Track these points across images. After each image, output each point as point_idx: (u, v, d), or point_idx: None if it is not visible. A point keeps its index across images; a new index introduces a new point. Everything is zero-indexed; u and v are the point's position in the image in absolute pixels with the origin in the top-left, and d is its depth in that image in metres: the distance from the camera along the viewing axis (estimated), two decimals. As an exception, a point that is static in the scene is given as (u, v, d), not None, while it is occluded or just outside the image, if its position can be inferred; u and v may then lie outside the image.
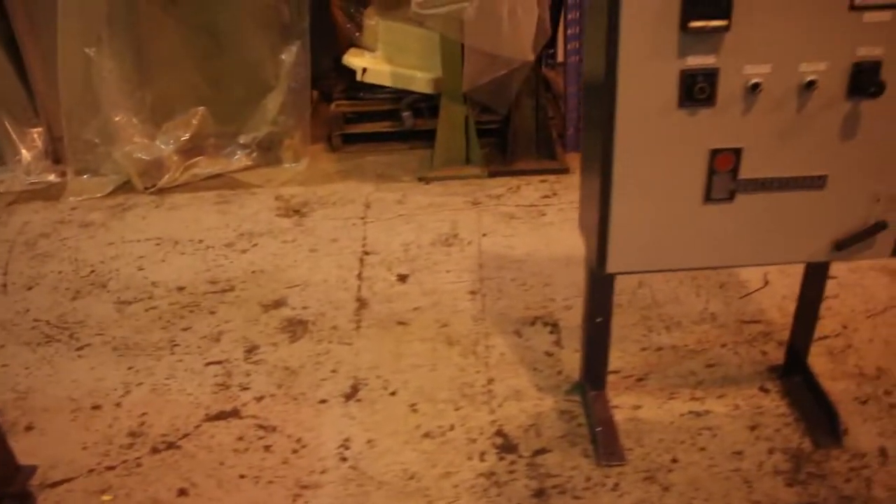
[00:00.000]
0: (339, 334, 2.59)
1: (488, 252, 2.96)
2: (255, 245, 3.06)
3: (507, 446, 2.17)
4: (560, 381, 2.37)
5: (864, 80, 1.63)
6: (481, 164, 3.44)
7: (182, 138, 3.44)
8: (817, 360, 2.41)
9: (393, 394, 2.35)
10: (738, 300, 2.67)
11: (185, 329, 2.65)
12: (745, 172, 1.73)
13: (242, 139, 3.50)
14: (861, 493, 2.00)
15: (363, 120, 3.61)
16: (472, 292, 2.74)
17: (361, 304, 2.72)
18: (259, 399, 2.35)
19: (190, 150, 3.50)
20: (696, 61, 1.60)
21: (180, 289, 2.84)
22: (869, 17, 1.58)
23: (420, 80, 3.45)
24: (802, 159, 1.73)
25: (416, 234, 3.05)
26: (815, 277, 2.13)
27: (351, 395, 2.36)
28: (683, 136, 1.68)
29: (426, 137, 3.53)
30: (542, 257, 2.91)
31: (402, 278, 2.83)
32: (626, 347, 2.48)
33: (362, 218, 3.18)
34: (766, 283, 2.74)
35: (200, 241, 3.10)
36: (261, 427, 2.26)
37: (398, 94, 3.56)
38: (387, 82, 3.51)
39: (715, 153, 1.70)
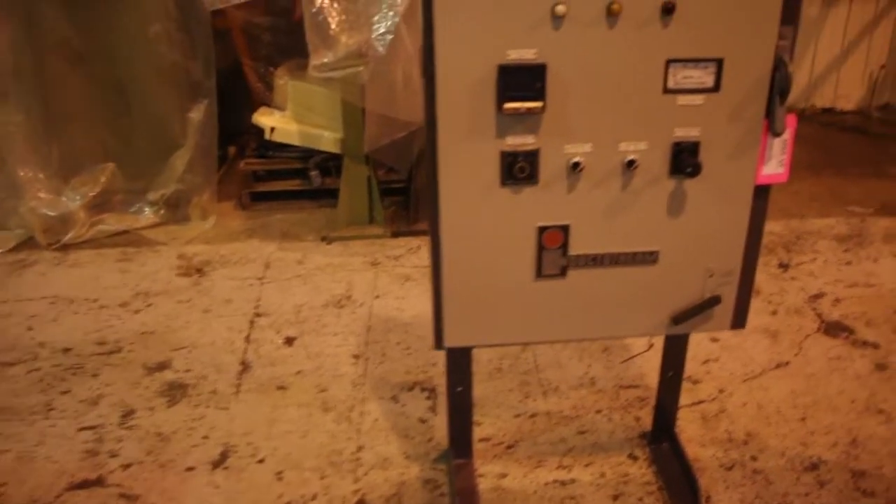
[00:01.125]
0: (217, 399, 2.54)
1: (378, 314, 2.92)
2: (150, 305, 3.01)
3: (367, 517, 2.11)
4: (430, 449, 2.32)
5: (682, 161, 1.63)
6: (384, 224, 3.42)
7: (89, 194, 3.40)
8: (690, 425, 2.39)
9: (261, 461, 2.30)
10: (619, 364, 2.65)
11: (64, 392, 2.58)
12: (576, 248, 1.71)
13: (150, 196, 3.47)
14: (714, 565, 1.97)
15: (272, 178, 3.59)
16: (356, 356, 2.70)
17: (245, 367, 2.67)
18: (126, 466, 2.29)
19: (97, 207, 3.46)
20: (514, 141, 1.59)
21: (66, 350, 2.77)
22: (682, 99, 1.59)
23: (327, 139, 3.44)
24: (632, 236, 1.72)
25: (311, 296, 3.02)
26: (675, 346, 2.12)
27: (219, 462, 2.30)
28: (509, 213, 1.66)
29: (334, 196, 3.52)
30: (429, 320, 2.87)
31: (289, 341, 2.79)
32: (501, 414, 2.45)
33: (260, 278, 3.14)
34: (650, 346, 2.72)
35: (95, 301, 3.04)
36: (123, 496, 2.19)
37: (307, 153, 3.55)
38: (295, 141, 3.50)
39: (542, 230, 1.68)
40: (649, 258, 1.74)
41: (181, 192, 3.45)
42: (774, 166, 1.71)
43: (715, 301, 1.80)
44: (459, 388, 2.13)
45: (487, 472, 2.23)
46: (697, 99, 1.60)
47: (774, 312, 2.91)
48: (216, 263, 3.26)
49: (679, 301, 1.81)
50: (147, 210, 3.47)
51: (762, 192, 1.72)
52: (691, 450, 2.30)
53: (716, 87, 1.59)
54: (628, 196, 1.67)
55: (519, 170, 1.61)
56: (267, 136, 3.47)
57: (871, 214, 3.59)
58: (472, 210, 1.66)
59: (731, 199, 1.70)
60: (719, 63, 1.57)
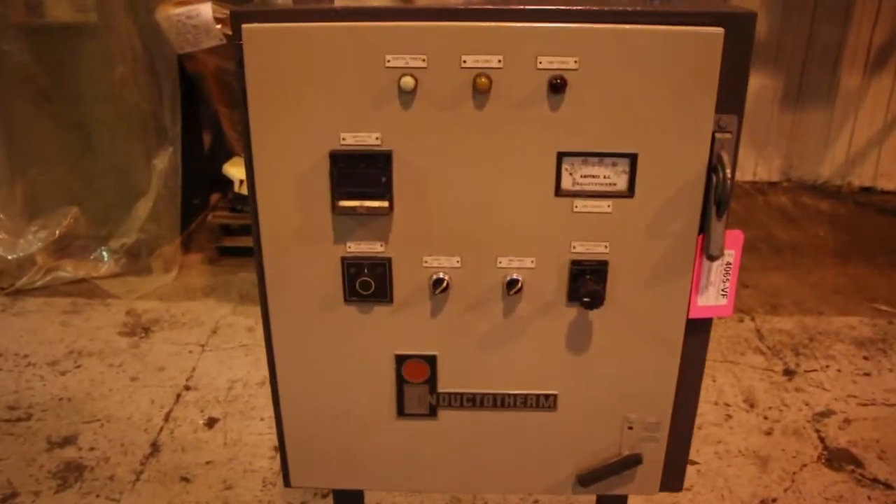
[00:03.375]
0: (110, 487, 2.16)
1: (312, 398, 2.51)
2: (79, 367, 2.67)
3: None
4: (324, 578, 1.89)
5: (582, 286, 1.18)
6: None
7: (50, 238, 3.10)
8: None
9: (133, 574, 1.90)
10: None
11: (-48, 464, 2.24)
12: (447, 385, 1.28)
13: (111, 244, 3.15)
14: None
15: (245, 232, 3.24)
16: (277, 449, 2.29)
17: (154, 450, 2.29)
18: (-18, 567, 1.92)
19: (57, 251, 3.16)
20: (358, 248, 1.18)
21: (-26, 413, 2.44)
22: (582, 205, 1.15)
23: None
24: (521, 374, 1.28)
25: (249, 370, 2.63)
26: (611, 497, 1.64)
27: (88, 570, 1.92)
28: (359, 337, 1.25)
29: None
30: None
31: (211, 423, 2.40)
32: (417, 538, 2.00)
33: (203, 345, 2.77)
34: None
35: (25, 357, 2.72)
36: None
37: (279, 209, 3.18)
38: (267, 195, 3.13)
39: (402, 360, 1.25)
40: (545, 402, 1.30)
41: (143, 242, 3.13)
42: (713, 296, 1.25)
43: (633, 461, 1.34)
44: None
45: None
46: (603, 205, 1.15)
47: (769, 432, 2.39)
48: (164, 323, 2.91)
49: (587, 456, 1.35)
50: (107, 258, 3.15)
51: (698, 328, 1.26)
52: None
53: (629, 192, 1.15)
54: (513, 325, 1.23)
55: (363, 284, 1.18)
56: (236, 188, 3.13)
57: (903, 314, 3.03)
58: (312, 331, 1.24)
59: (653, 336, 1.25)
60: (633, 159, 1.13)
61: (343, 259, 1.19)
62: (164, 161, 3.02)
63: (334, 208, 1.14)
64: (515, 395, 1.29)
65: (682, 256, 1.19)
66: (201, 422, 2.41)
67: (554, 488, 1.37)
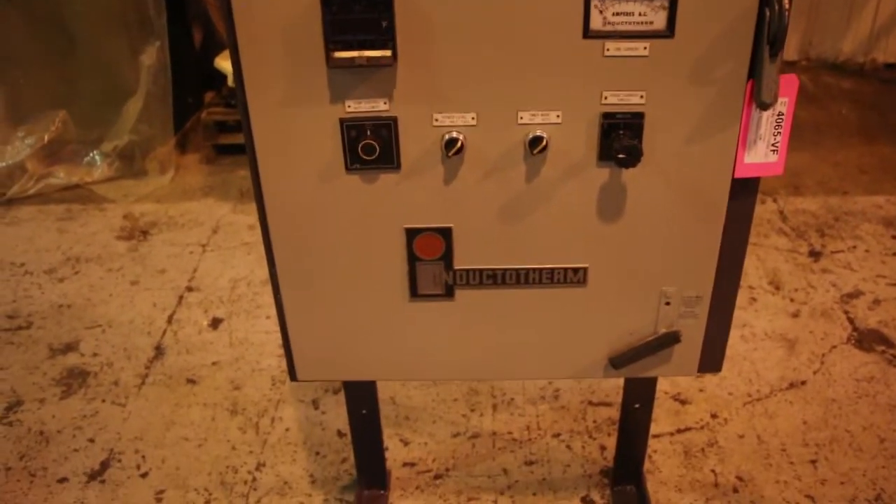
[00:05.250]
0: (116, 392, 2.07)
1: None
2: (77, 273, 2.55)
3: (244, 561, 1.62)
4: (341, 473, 1.81)
5: (616, 142, 1.03)
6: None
7: (39, 143, 2.94)
8: (669, 460, 1.81)
9: (144, 475, 1.83)
10: (592, 372, 2.07)
11: (-48, 374, 2.15)
12: (464, 261, 1.14)
13: (104, 147, 2.99)
14: None
15: (238, 129, 3.05)
16: (284, 346, 2.18)
17: (158, 353, 2.19)
18: (-10, 474, 1.84)
19: (47, 157, 3.00)
20: (358, 107, 1.02)
21: (-29, 323, 2.34)
22: (615, 48, 0.98)
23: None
24: (547, 246, 1.13)
25: (252, 269, 2.51)
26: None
27: (97, 473, 1.84)
28: (364, 210, 1.10)
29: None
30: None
31: (215, 323, 2.29)
32: (436, 432, 1.91)
33: (203, 245, 2.64)
34: (635, 350, 2.12)
35: (22, 265, 2.60)
36: (-27, 514, 1.75)
37: (276, 103, 3.00)
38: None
39: (413, 234, 1.11)
40: (574, 277, 1.16)
41: (136, 144, 2.96)
42: (762, 152, 1.10)
43: (671, 339, 1.21)
44: (364, 411, 1.60)
45: (402, 511, 1.71)
46: (639, 47, 0.99)
47: (796, 314, 2.28)
48: (162, 225, 2.77)
49: (620, 336, 1.22)
50: (100, 162, 2.99)
51: (745, 189, 1.11)
52: (665, 495, 1.73)
53: (668, 31, 0.98)
54: (537, 191, 1.09)
55: (367, 148, 1.03)
56: (230, 82, 2.93)
57: (932, 192, 2.87)
58: (312, 206, 1.10)
59: (694, 199, 1.10)
60: (673, -8, 0.95)
61: (342, 121, 1.03)
62: (152, 57, 2.82)
63: (329, 61, 0.97)
64: (541, 270, 1.15)
65: (729, 106, 1.03)
66: (205, 323, 2.30)
67: (583, 372, 1.25)
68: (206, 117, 3.03)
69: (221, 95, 3.06)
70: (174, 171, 3.06)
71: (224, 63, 2.97)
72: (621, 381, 1.66)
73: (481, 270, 1.15)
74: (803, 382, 2.04)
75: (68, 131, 2.98)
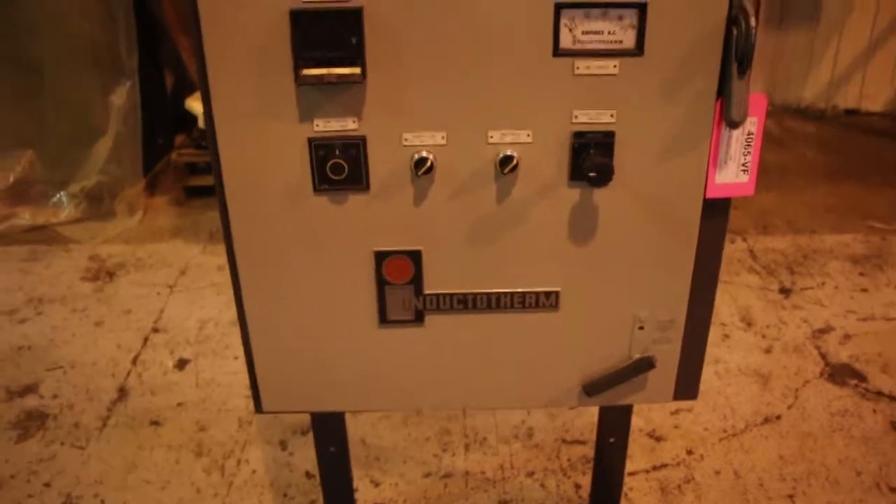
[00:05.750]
0: (76, 435, 1.99)
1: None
2: (40, 314, 2.48)
3: None
4: (309, 516, 1.75)
5: (587, 160, 1.02)
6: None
7: (5, 184, 2.88)
8: (644, 497, 1.77)
9: (103, 521, 1.75)
10: (568, 411, 2.04)
11: None
12: (434, 286, 1.12)
13: (71, 188, 2.94)
14: None
15: (209, 171, 3.03)
16: (252, 386, 2.12)
17: (122, 395, 2.12)
18: (-61, 522, 1.75)
19: (13, 198, 2.94)
20: (327, 126, 1.00)
21: (-73, 365, 2.25)
22: (585, 66, 0.97)
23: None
24: (518, 269, 1.11)
25: (221, 310, 2.46)
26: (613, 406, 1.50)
27: (54, 520, 1.76)
28: (332, 232, 1.07)
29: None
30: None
31: (182, 364, 2.23)
32: (407, 472, 1.86)
33: (171, 286, 2.59)
34: (609, 387, 2.09)
35: (-18, 307, 2.52)
36: (-81, 564, 1.65)
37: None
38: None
39: (382, 257, 1.09)
40: (546, 301, 1.14)
41: (105, 185, 2.92)
42: (733, 172, 1.09)
43: (645, 365, 1.19)
44: (332, 449, 1.54)
45: (372, 555, 1.65)
46: (609, 66, 0.98)
47: (768, 350, 2.27)
48: (129, 266, 2.72)
49: (594, 362, 1.20)
50: (67, 203, 2.94)
51: (716, 210, 1.11)
52: (641, 534, 1.69)
53: (638, 49, 0.98)
54: (508, 212, 1.07)
55: (335, 168, 1.01)
56: (201, 123, 2.92)
57: (895, 232, 2.91)
58: (279, 228, 1.07)
59: (666, 220, 1.09)
60: (641, 10, 0.96)
61: (310, 140, 1.01)
62: (122, 97, 2.80)
63: (297, 78, 0.96)
64: (512, 294, 1.13)
65: (699, 124, 1.03)
66: (171, 364, 2.24)
67: (557, 400, 1.22)
68: (177, 158, 3.01)
69: (192, 137, 3.04)
70: (143, 212, 3.01)
71: (195, 104, 2.96)
72: (595, 419, 1.63)
73: (452, 295, 1.13)
74: (778, 417, 2.02)
75: (35, 171, 2.94)
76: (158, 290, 2.57)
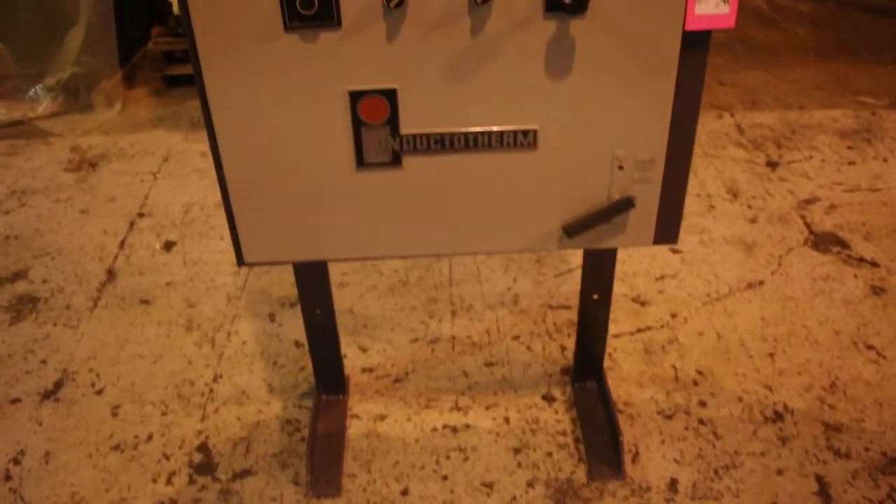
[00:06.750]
0: (67, 315, 2.02)
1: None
2: (24, 205, 2.48)
3: (204, 465, 1.61)
4: (300, 381, 1.80)
5: (561, -13, 1.01)
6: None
7: (-23, 79, 2.84)
8: (629, 358, 1.83)
9: (99, 392, 1.80)
10: (553, 278, 2.07)
11: None
12: (410, 126, 1.12)
13: (47, 81, 2.89)
14: (629, 546, 1.44)
15: (187, 60, 2.97)
16: (240, 265, 2.15)
17: (110, 277, 2.15)
18: (-59, 397, 1.80)
19: (-12, 93, 2.90)
20: (294, -46, 0.98)
21: (-86, 255, 2.27)
22: None
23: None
24: (493, 107, 1.11)
25: (205, 193, 2.46)
26: (597, 259, 1.53)
27: (51, 392, 1.81)
28: (306, 73, 1.07)
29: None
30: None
31: (168, 246, 2.25)
32: (395, 338, 1.90)
33: (154, 173, 2.59)
34: (595, 258, 2.13)
35: (-36, 198, 2.52)
36: (-78, 435, 1.71)
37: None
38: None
39: (357, 97, 1.08)
40: (524, 140, 1.14)
41: (80, 77, 2.87)
42: (713, 3, 1.08)
43: (625, 205, 1.20)
44: (318, 311, 1.58)
45: (364, 413, 1.71)
46: None
47: (754, 220, 2.29)
48: (111, 156, 2.71)
49: (574, 204, 1.21)
50: (44, 97, 2.90)
51: (696, 42, 1.10)
52: (626, 390, 1.75)
53: None
54: (483, 45, 1.06)
55: (305, 3, 1.00)
56: (175, 9, 2.85)
57: (885, 107, 2.90)
58: (250, 71, 1.06)
59: (645, 54, 1.08)
60: None
61: (278, -30, 0.99)
62: (92, -17, 2.72)
63: None
64: (490, 133, 1.13)
65: (676, -51, 1.01)
66: (158, 246, 2.26)
67: (537, 244, 1.24)
68: (154, 48, 2.95)
69: (168, 26, 2.98)
70: (122, 104, 2.98)
71: (169, -10, 2.89)
72: (580, 285, 1.67)
73: (429, 135, 1.13)
74: (761, 282, 2.06)
75: (7, 66, 2.89)
76: (142, 177, 2.57)
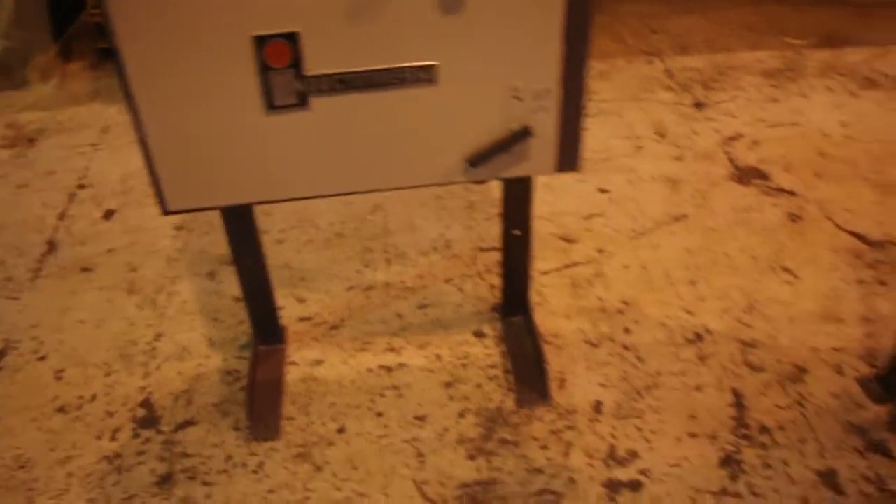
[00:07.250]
0: (9, 288, 2.06)
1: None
2: (-41, 182, 2.49)
3: (147, 419, 1.67)
4: (239, 334, 1.86)
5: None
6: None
7: None
8: (556, 292, 1.91)
9: (42, 358, 1.84)
10: (484, 222, 2.15)
11: None
12: (314, 67, 1.17)
13: (-22, 58, 2.88)
14: (556, 462, 1.53)
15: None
16: (179, 227, 2.20)
17: (51, 248, 2.18)
18: None
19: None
20: None
21: None
22: None
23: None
24: (394, 44, 1.17)
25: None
26: (514, 195, 1.61)
27: (-6, 361, 1.84)
28: (210, 18, 1.12)
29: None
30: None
31: (108, 215, 2.28)
32: (331, 288, 1.97)
33: (94, 145, 2.61)
34: (527, 202, 2.20)
35: None
36: None
37: None
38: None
39: (261, 41, 1.14)
40: (424, 76, 1.20)
41: (12, 52, 2.87)
42: (590, -66, 1.14)
43: (523, 134, 1.27)
44: (249, 261, 1.64)
45: (301, 359, 1.77)
46: None
47: (680, 158, 2.38)
48: (50, 131, 2.72)
49: (476, 136, 1.28)
50: (-24, 74, 2.89)
51: (578, -27, 1.16)
52: (553, 323, 1.83)
53: None
54: (375, -17, 1.11)
55: (198, -53, 1.04)
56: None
57: (810, 46, 2.99)
58: (159, 19, 1.11)
59: (528, -15, 1.14)
60: None
61: (168, -83, 1.04)
62: (17, -45, 2.71)
63: None
64: (391, 71, 1.19)
65: None
66: (98, 215, 2.29)
67: (445, 176, 1.31)
68: (88, 19, 2.95)
69: (98, -4, 2.97)
70: (58, 78, 2.98)
71: (96, -40, 2.88)
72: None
73: (332, 75, 1.18)
74: (685, 216, 2.15)
75: (-65, 44, 2.87)
76: (82, 149, 2.59)
